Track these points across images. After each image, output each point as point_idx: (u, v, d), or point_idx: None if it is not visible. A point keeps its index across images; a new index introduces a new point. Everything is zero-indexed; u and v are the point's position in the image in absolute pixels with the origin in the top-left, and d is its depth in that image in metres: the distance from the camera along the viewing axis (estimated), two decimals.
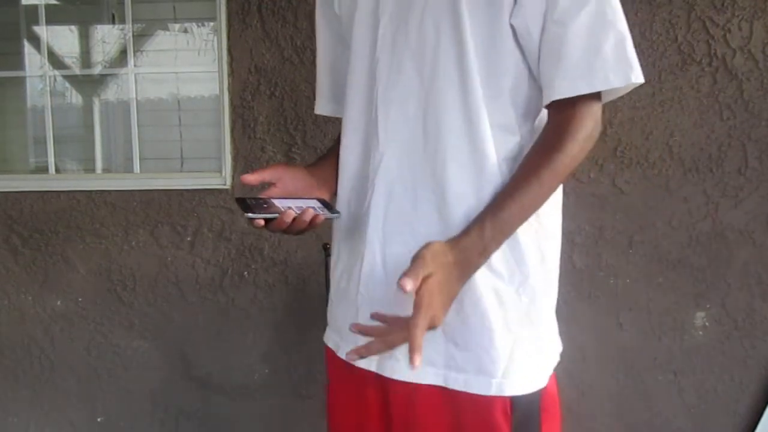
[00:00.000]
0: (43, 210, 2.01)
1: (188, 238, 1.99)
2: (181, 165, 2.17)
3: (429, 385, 0.87)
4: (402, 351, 0.77)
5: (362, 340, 0.81)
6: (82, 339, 2.06)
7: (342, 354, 0.96)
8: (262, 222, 0.83)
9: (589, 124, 0.82)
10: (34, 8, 2.12)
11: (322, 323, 1.92)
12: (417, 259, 0.75)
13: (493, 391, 0.85)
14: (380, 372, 0.91)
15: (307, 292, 1.98)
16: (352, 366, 0.91)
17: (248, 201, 0.85)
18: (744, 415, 1.98)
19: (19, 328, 2.07)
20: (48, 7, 2.13)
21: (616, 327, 1.95)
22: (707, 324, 1.94)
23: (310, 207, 0.87)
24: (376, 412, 0.95)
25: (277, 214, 0.84)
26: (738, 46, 1.81)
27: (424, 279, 0.73)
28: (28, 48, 2.18)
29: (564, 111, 0.81)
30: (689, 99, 1.84)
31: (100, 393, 2.09)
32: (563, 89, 0.80)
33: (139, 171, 2.11)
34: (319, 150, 1.93)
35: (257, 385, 2.05)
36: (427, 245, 0.77)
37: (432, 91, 0.86)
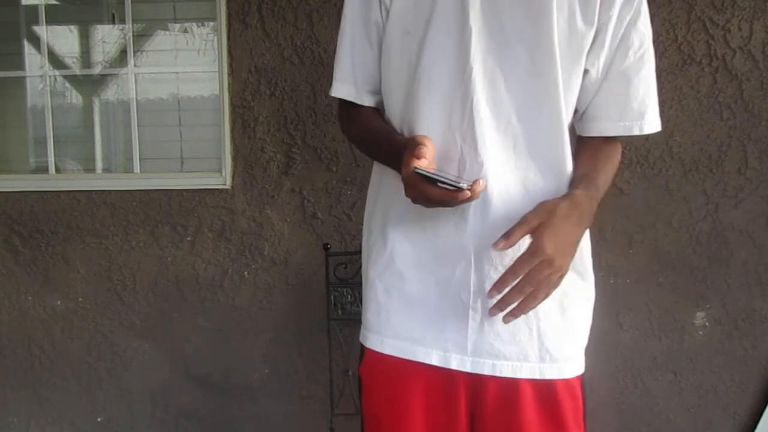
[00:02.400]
0: (44, 210, 2.01)
1: (188, 238, 2.00)
2: (181, 165, 2.18)
3: (523, 379, 0.96)
4: (503, 350, 0.95)
5: (444, 342, 0.95)
6: (82, 339, 2.06)
7: (425, 359, 0.97)
8: (468, 194, 0.82)
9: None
10: (34, 8, 2.12)
11: (322, 323, 1.92)
12: (520, 220, 0.86)
13: (577, 372, 1.01)
14: (477, 371, 0.96)
15: (307, 292, 1.98)
16: (431, 370, 0.96)
17: (433, 175, 0.81)
18: (744, 415, 1.98)
19: (20, 328, 2.07)
20: (48, 7, 2.13)
21: (616, 327, 1.95)
22: (707, 324, 1.94)
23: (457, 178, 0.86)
24: (464, 413, 0.98)
25: (469, 181, 0.82)
26: (738, 46, 1.81)
27: (537, 228, 0.86)
28: (28, 48, 2.19)
29: (610, 139, 1.02)
30: (689, 99, 1.84)
31: (100, 393, 2.09)
32: (622, 130, 1.00)
33: (139, 171, 2.11)
34: (318, 150, 1.93)
35: (257, 385, 2.05)
36: (539, 205, 0.89)
37: (524, 110, 0.94)
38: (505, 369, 0.96)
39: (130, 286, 2.03)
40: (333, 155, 1.93)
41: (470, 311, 0.95)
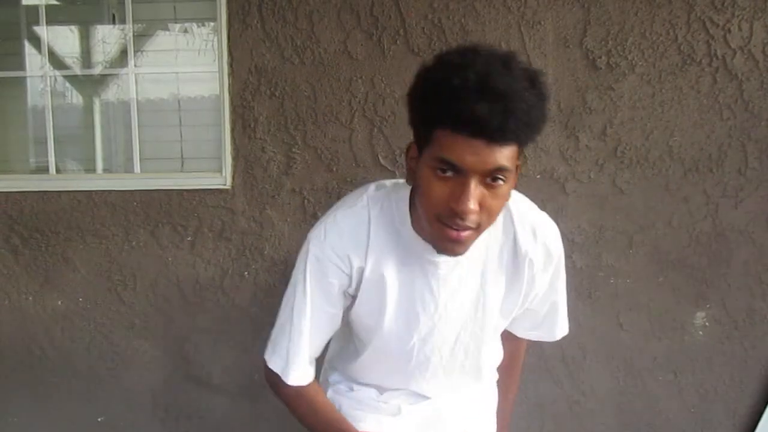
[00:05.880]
0: (44, 210, 2.01)
1: (188, 238, 2.00)
2: (182, 165, 2.18)
3: None
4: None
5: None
6: (83, 339, 2.06)
7: None
8: None
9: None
10: (35, 8, 2.12)
11: None
12: None
13: None
14: None
15: None
16: None
17: None
18: (744, 415, 1.98)
19: (20, 328, 2.07)
20: (48, 7, 2.13)
21: (616, 327, 1.95)
22: (707, 324, 1.94)
23: None
24: None
25: None
26: (738, 46, 1.81)
27: None
28: (28, 48, 2.19)
29: (518, 339, 1.29)
30: (689, 99, 1.84)
31: (100, 393, 2.09)
32: (531, 337, 1.27)
33: (139, 171, 2.11)
34: (318, 150, 1.93)
35: (257, 385, 2.05)
36: None
37: (453, 368, 1.19)
38: None
39: (131, 286, 2.03)
40: (333, 155, 1.93)
41: None
